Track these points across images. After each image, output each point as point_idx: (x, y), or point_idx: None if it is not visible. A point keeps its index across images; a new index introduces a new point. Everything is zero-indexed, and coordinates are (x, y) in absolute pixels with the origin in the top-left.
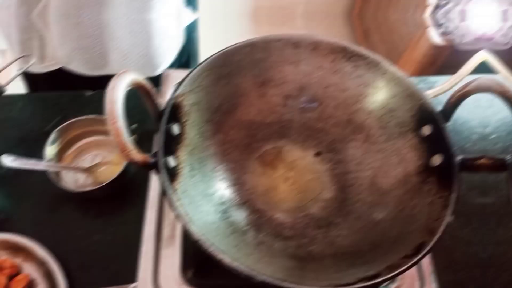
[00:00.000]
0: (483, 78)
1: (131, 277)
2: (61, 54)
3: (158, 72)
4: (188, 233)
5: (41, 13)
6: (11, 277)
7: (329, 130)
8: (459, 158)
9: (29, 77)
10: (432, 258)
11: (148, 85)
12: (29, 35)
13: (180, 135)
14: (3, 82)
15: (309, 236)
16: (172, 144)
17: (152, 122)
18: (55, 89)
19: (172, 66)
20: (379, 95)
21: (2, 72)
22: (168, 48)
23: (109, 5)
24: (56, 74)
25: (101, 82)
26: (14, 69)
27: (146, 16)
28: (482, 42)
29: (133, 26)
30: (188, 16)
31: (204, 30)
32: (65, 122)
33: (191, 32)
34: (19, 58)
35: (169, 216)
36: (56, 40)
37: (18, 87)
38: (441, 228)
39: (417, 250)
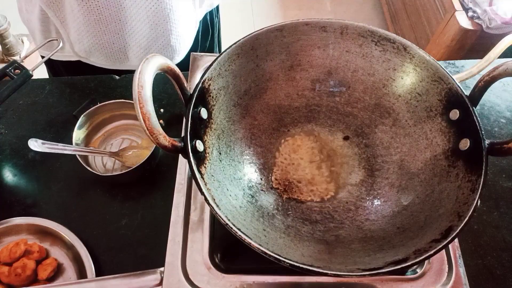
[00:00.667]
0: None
1: (159, 261)
2: (78, 49)
3: (177, 58)
4: (216, 217)
5: (56, 10)
6: (39, 261)
7: (357, 114)
8: (487, 142)
9: (50, 63)
10: (460, 242)
11: (177, 69)
12: (47, 27)
13: (208, 119)
14: (29, 67)
15: (337, 220)
16: (200, 128)
17: (180, 106)
18: (75, 75)
19: (195, 51)
20: (407, 79)
21: (25, 57)
22: (187, 34)
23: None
24: (75, 61)
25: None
26: (37, 55)
27: (164, 6)
28: (510, 26)
29: (153, 19)
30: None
31: (232, 14)
32: (93, 106)
33: (213, 16)
34: (47, 42)
35: (197, 200)
36: (74, 36)
37: (42, 72)
38: (469, 212)
39: (445, 234)
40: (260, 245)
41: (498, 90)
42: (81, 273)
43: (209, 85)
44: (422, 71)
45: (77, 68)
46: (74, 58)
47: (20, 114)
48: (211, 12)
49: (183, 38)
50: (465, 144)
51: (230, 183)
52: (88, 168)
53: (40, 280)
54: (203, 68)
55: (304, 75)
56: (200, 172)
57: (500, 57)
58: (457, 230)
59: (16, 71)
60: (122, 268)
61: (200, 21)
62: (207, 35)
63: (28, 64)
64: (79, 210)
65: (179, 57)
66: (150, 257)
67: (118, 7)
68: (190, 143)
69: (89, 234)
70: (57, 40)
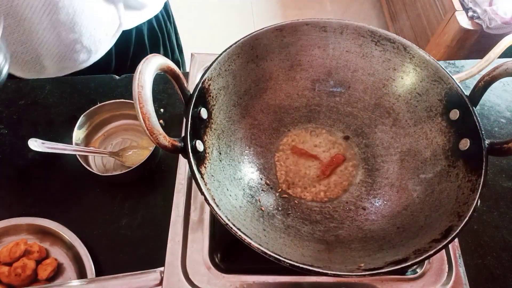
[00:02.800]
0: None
1: (159, 261)
2: None
3: (95, 56)
4: (216, 217)
5: None
6: (39, 261)
7: (357, 114)
8: (487, 142)
9: None
10: (460, 242)
11: (177, 69)
12: None
13: (208, 119)
14: None
15: (337, 220)
16: (200, 128)
17: (180, 106)
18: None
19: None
20: (407, 79)
21: None
22: (102, 32)
23: (27, 12)
24: None
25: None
26: None
27: (66, 11)
28: (510, 26)
29: (58, 26)
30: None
31: (232, 14)
32: (93, 106)
33: (161, 23)
34: None
35: (197, 200)
36: None
37: None
38: (469, 212)
39: (445, 234)
40: (260, 245)
41: (498, 90)
42: (81, 273)
43: (209, 85)
44: (422, 71)
45: None
46: None
47: (20, 114)
48: (157, 18)
49: (98, 37)
50: (465, 144)
51: (230, 183)
52: (88, 168)
53: (40, 280)
54: (203, 68)
55: (304, 75)
56: (200, 172)
57: (500, 57)
58: (457, 230)
59: None
60: (122, 268)
61: (144, 24)
62: (157, 40)
63: None
64: (79, 210)
65: (98, 55)
66: (150, 257)
67: (18, 17)
68: (190, 143)
69: (89, 234)
70: None
